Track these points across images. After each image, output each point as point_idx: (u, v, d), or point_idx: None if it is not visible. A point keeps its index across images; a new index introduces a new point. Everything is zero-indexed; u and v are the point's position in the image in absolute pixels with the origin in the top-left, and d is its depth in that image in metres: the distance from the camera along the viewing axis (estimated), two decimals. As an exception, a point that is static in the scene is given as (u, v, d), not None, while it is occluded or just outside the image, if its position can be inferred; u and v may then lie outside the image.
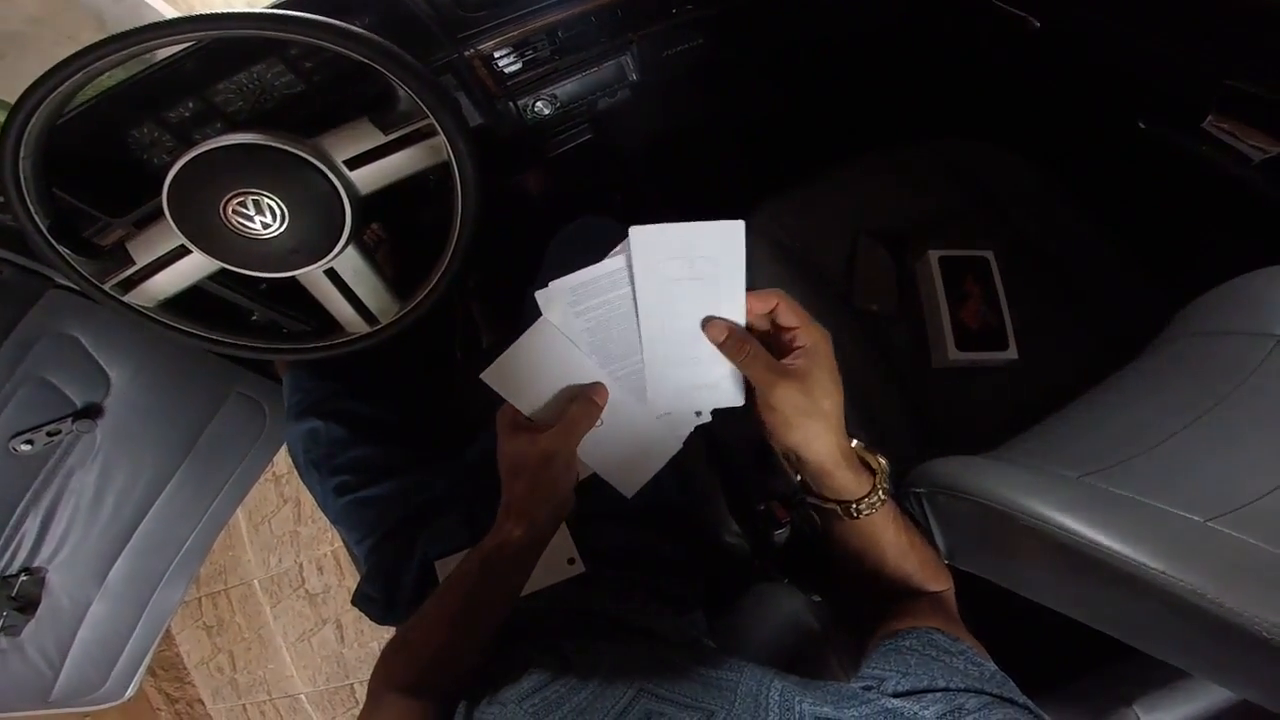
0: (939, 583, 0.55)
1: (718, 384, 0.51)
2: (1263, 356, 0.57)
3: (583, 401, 0.51)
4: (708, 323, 0.48)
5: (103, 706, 1.19)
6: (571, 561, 0.73)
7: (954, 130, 1.14)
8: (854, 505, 0.50)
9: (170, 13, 1.07)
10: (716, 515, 0.93)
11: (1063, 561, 0.52)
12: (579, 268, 0.48)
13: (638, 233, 0.45)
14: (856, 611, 0.58)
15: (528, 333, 0.50)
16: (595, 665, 0.47)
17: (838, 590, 0.60)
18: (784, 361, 0.47)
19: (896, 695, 0.40)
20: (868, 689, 0.42)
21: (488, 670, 0.52)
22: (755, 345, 0.47)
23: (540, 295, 0.49)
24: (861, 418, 0.92)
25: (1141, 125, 0.88)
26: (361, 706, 0.51)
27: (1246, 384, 0.56)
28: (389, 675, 0.52)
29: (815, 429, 0.47)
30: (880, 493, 0.51)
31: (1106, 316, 0.96)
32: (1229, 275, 0.68)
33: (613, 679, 0.46)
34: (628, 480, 0.56)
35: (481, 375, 0.50)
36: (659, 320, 0.49)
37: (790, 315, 0.47)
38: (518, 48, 0.90)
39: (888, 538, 0.52)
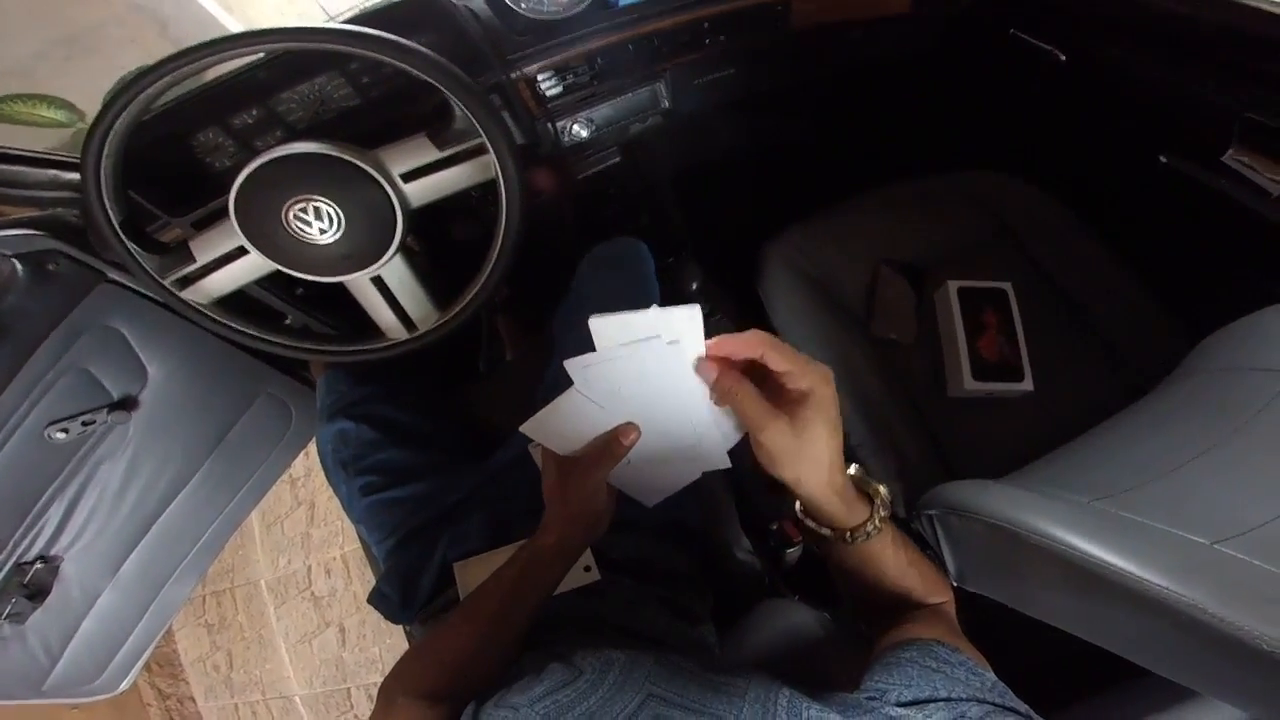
0: (939, 595, 0.56)
1: (706, 453, 0.52)
2: (1276, 391, 0.59)
3: (609, 438, 0.52)
4: (700, 364, 0.47)
5: (93, 699, 1.17)
6: (588, 569, 0.75)
7: (976, 162, 1.15)
8: (848, 533, 0.51)
9: (228, 20, 1.12)
10: (730, 532, 0.94)
11: (1071, 581, 0.54)
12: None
13: (596, 322, 0.45)
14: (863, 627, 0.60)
15: (558, 399, 0.51)
16: (605, 671, 0.48)
17: (846, 606, 0.61)
18: (778, 404, 0.46)
19: (900, 705, 0.41)
20: (872, 699, 0.43)
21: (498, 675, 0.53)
22: (746, 385, 0.46)
23: (566, 365, 0.49)
24: (878, 443, 0.93)
25: (1163, 159, 0.89)
26: (356, 711, 0.51)
27: (1258, 418, 0.58)
28: (406, 680, 0.53)
29: (805, 470, 0.47)
30: (876, 521, 0.51)
31: (1123, 351, 0.97)
32: (1248, 310, 0.69)
33: (622, 684, 0.46)
34: (649, 496, 0.59)
35: (521, 429, 0.52)
36: (640, 399, 0.50)
37: (780, 360, 0.45)
38: (559, 71, 0.94)
39: (886, 557, 0.53)
